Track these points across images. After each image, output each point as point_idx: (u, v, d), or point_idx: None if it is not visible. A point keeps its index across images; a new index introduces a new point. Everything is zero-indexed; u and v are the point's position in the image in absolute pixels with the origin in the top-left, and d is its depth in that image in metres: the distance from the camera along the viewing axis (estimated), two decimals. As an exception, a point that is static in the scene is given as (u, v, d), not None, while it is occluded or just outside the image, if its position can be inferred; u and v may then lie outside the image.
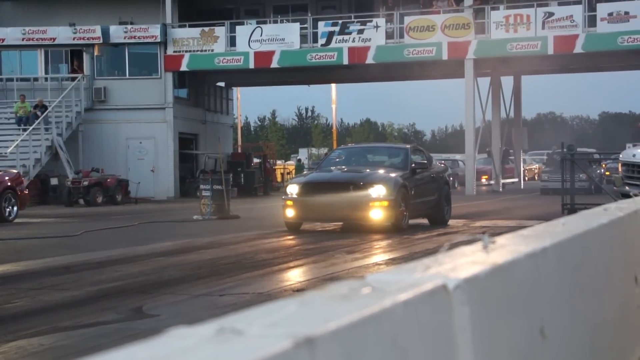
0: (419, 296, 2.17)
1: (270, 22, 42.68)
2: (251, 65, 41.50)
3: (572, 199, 23.16)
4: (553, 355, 3.25)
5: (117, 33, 41.66)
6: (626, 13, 37.32)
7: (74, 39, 41.81)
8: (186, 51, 41.73)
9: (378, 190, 18.52)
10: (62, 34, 41.72)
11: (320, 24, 40.96)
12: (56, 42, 41.92)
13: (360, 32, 40.22)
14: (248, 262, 13.48)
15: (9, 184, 24.11)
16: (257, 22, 42.70)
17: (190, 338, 1.58)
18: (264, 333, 1.61)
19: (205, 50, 41.63)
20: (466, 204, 29.67)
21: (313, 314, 1.83)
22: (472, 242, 3.16)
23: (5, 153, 35.74)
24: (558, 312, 3.48)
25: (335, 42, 40.49)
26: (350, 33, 40.34)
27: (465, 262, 2.73)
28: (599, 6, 37.89)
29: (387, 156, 21.51)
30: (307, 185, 19.26)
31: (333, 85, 62.55)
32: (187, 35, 41.85)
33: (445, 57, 39.73)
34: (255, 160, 49.02)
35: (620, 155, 20.35)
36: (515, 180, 49.36)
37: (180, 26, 42.21)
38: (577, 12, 37.99)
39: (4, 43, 41.91)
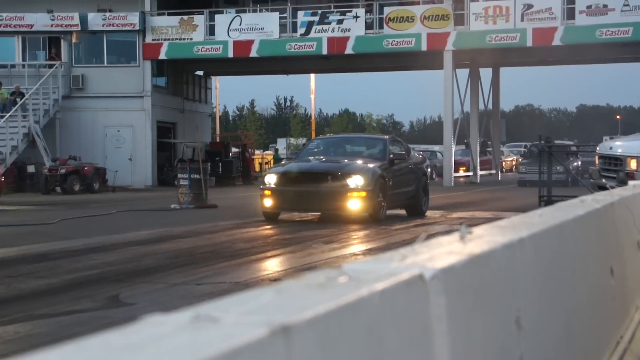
0: (396, 285, 2.17)
1: (249, 11, 42.58)
2: (230, 55, 41.42)
3: (549, 191, 23.23)
4: (529, 346, 3.26)
5: (96, 20, 41.43)
6: (605, 6, 37.45)
7: (51, 25, 41.56)
8: (165, 39, 41.58)
9: (356, 181, 18.54)
10: (39, 20, 41.46)
11: (300, 13, 40.88)
12: (34, 28, 41.66)
13: (340, 22, 40.20)
14: (225, 252, 13.47)
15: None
16: (237, 11, 42.64)
17: (166, 325, 1.57)
18: (240, 321, 1.61)
19: (184, 39, 41.50)
20: (444, 195, 29.75)
21: (289, 302, 1.82)
22: (449, 233, 3.16)
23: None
24: (534, 303, 3.50)
25: (315, 32, 40.45)
26: (329, 23, 40.31)
27: (442, 252, 2.73)
28: (578, -1, 38.05)
29: (366, 147, 21.53)
30: (285, 175, 19.25)
31: (312, 75, 62.54)
32: (166, 24, 41.69)
33: (424, 48, 39.77)
34: (234, 149, 49.00)
35: (598, 148, 20.43)
36: (493, 172, 49.52)
37: (159, 14, 42.04)
38: (556, 4, 38.09)
39: (-19, 29, 41.66)
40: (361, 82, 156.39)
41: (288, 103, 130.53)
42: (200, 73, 49.77)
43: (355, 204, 18.57)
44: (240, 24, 41.11)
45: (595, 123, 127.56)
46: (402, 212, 21.23)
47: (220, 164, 43.17)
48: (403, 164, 20.74)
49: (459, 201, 27.95)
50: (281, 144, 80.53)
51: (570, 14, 38.03)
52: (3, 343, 6.98)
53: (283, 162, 22.83)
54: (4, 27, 41.49)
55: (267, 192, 19.18)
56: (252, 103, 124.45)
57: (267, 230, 17.59)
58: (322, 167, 19.39)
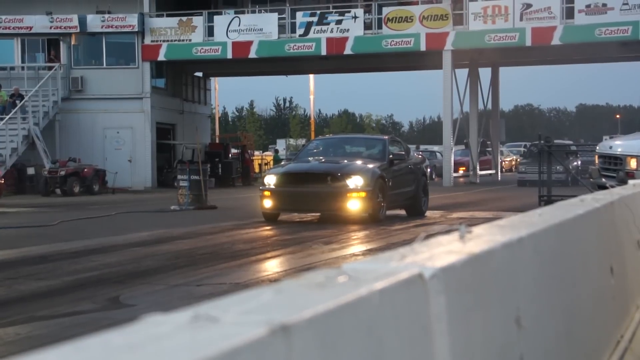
0: (395, 285, 2.16)
1: (248, 12, 42.57)
2: (229, 56, 41.41)
3: (549, 191, 23.23)
4: (529, 345, 3.26)
5: (95, 22, 41.44)
6: (604, 5, 37.47)
7: (50, 27, 41.57)
8: (164, 41, 41.57)
9: (356, 181, 18.53)
10: (38, 22, 41.47)
11: (299, 14, 40.89)
12: (33, 30, 41.66)
13: (339, 22, 40.20)
14: (225, 253, 13.47)
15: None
16: (235, 12, 42.63)
17: (165, 325, 1.57)
18: (240, 320, 1.61)
19: (183, 40, 41.50)
20: (443, 195, 29.74)
21: (289, 301, 1.82)
22: (448, 232, 3.16)
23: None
24: (534, 302, 3.49)
25: (314, 33, 40.45)
26: (328, 23, 40.31)
27: (441, 251, 2.73)
28: (577, -2, 38.07)
29: (365, 147, 21.52)
30: (284, 176, 19.25)
31: (311, 76, 62.47)
32: (164, 25, 41.69)
33: (423, 48, 39.78)
34: (234, 150, 48.99)
35: (597, 147, 20.42)
36: (493, 171, 49.50)
37: (157, 15, 42.03)
38: (555, 3, 38.10)
39: (-19, 32, 41.65)
40: (360, 82, 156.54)
41: (287, 104, 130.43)
42: (200, 74, 49.78)
43: (354, 205, 18.56)
44: (239, 25, 41.11)
45: (595, 122, 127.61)
46: (402, 212, 21.22)
47: (219, 165, 43.17)
48: (402, 164, 20.73)
49: (458, 201, 27.95)
50: (280, 144, 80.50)
51: (569, 13, 38.05)
52: (4, 345, 6.97)
53: (282, 163, 22.85)
54: (3, 29, 41.49)
55: (266, 193, 19.18)
56: (251, 104, 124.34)
57: (266, 231, 17.58)
58: (322, 168, 19.38)
